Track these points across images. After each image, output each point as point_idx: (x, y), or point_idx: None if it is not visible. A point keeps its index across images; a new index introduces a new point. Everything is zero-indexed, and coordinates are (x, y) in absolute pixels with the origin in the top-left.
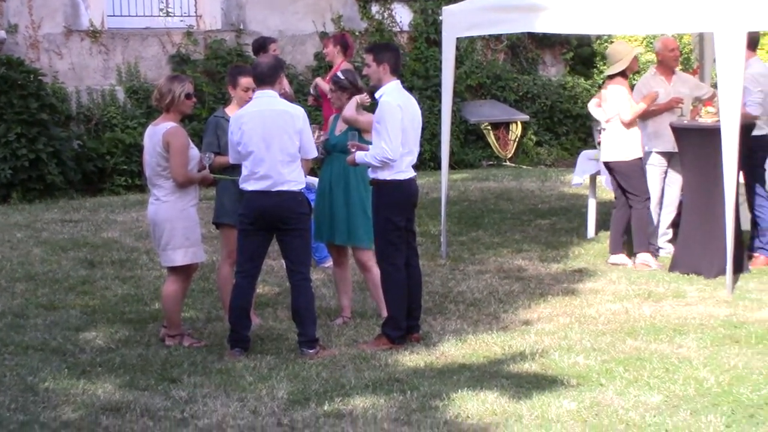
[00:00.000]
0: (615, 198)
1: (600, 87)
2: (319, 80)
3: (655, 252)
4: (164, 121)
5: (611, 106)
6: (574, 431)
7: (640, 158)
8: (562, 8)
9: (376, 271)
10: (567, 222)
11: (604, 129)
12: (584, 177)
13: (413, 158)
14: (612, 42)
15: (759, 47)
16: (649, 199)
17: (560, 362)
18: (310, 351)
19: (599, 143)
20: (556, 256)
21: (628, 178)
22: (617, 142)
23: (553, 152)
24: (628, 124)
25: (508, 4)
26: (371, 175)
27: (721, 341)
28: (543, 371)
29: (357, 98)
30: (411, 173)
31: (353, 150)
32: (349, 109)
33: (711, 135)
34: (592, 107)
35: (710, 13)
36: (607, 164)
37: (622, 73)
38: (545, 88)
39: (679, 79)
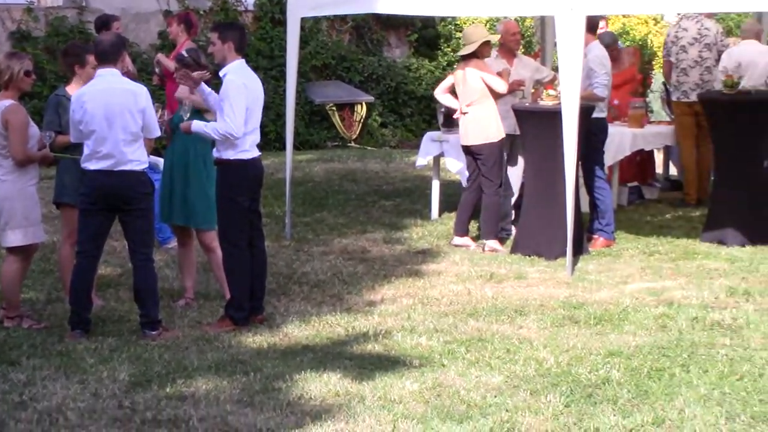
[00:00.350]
0: (468, 181)
1: (445, 69)
2: (161, 56)
3: (504, 236)
4: (2, 99)
5: (472, 88)
6: (417, 412)
7: (503, 140)
8: None
9: (219, 252)
10: (411, 203)
11: (465, 113)
12: (428, 158)
13: (256, 137)
14: (456, 24)
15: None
16: (501, 185)
17: (403, 343)
18: (153, 332)
19: (442, 125)
20: (400, 238)
21: (489, 162)
22: (481, 124)
23: (397, 133)
24: (500, 97)
25: None
26: (215, 155)
27: (561, 322)
28: (386, 352)
29: (193, 75)
30: (255, 152)
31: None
32: (183, 89)
33: (552, 118)
34: (440, 95)
35: None
36: (468, 147)
37: (475, 56)
38: (390, 69)
39: (520, 62)
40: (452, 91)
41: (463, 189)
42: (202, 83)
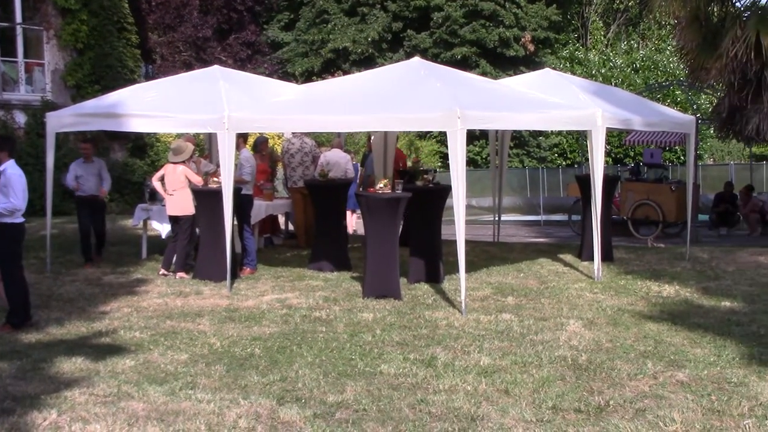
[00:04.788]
0: (173, 234)
1: (150, 165)
2: None
3: (188, 267)
4: None
5: (178, 180)
6: (133, 378)
7: (194, 214)
8: (124, 113)
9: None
10: (130, 248)
11: (172, 194)
12: (140, 221)
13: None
14: (156, 137)
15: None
16: (190, 240)
17: (124, 336)
18: None
19: (148, 199)
20: (123, 270)
21: (185, 225)
22: (182, 202)
23: (120, 205)
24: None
25: (91, 111)
26: None
27: (224, 320)
28: (113, 342)
29: None
30: (22, 219)
31: None
32: None
33: (217, 195)
34: (155, 181)
35: (210, 121)
36: (172, 216)
37: (183, 160)
38: (114, 165)
39: (198, 162)
40: (161, 178)
41: (161, 240)
42: None
